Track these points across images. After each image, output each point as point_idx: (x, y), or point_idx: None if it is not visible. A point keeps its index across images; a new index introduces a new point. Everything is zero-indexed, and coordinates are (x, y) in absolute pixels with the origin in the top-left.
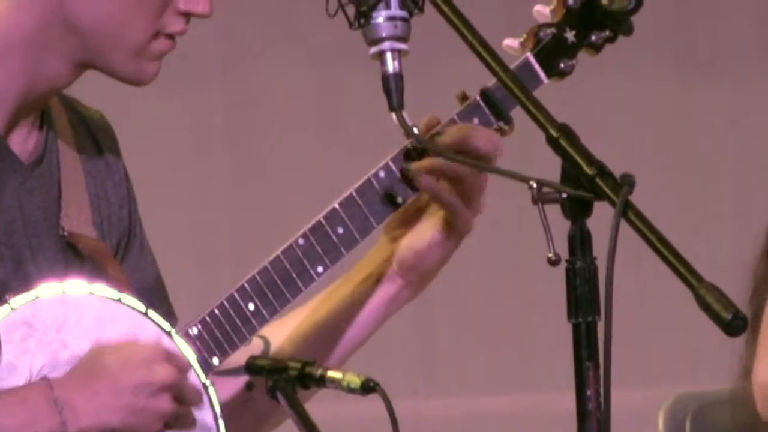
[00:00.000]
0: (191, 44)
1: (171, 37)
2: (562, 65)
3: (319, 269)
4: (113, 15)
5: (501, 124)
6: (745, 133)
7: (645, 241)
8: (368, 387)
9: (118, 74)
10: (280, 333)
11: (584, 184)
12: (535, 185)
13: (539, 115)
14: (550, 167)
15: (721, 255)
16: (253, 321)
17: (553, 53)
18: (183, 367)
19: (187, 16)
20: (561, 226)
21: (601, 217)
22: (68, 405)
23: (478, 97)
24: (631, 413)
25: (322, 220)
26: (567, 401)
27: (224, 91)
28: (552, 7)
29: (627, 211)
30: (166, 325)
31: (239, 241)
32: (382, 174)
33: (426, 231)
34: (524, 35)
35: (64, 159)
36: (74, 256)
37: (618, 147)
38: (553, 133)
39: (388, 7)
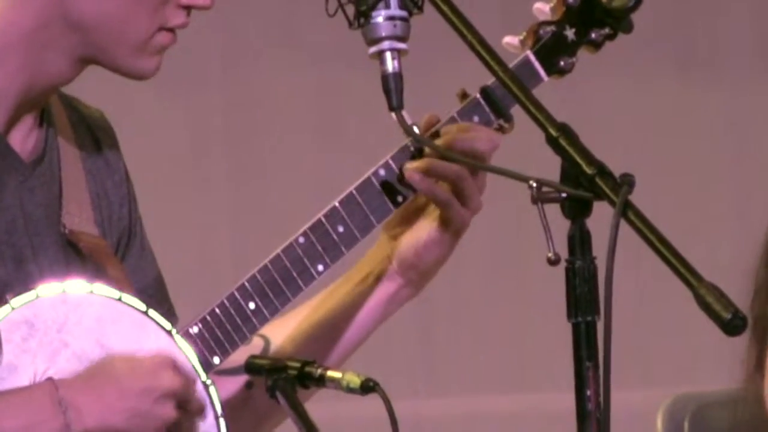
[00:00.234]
0: (191, 44)
1: (172, 30)
2: (562, 63)
3: (320, 268)
4: (116, 11)
5: (501, 122)
6: (745, 134)
7: (645, 241)
8: (368, 387)
9: (120, 69)
10: (281, 332)
11: (584, 184)
12: (534, 185)
13: (539, 114)
14: (550, 167)
15: (721, 255)
16: (254, 320)
17: (553, 51)
18: (189, 377)
19: (188, 8)
20: (561, 225)
21: (600, 216)
22: (73, 405)
23: (478, 95)
24: (631, 413)
25: (323, 219)
26: (567, 401)
27: (224, 90)
28: (552, 4)
29: (627, 210)
30: (167, 325)
31: (239, 240)
32: (382, 172)
33: (425, 229)
34: (524, 33)
35: (65, 157)
36: (75, 255)
37: (618, 147)
38: (553, 132)
39: (387, 6)
